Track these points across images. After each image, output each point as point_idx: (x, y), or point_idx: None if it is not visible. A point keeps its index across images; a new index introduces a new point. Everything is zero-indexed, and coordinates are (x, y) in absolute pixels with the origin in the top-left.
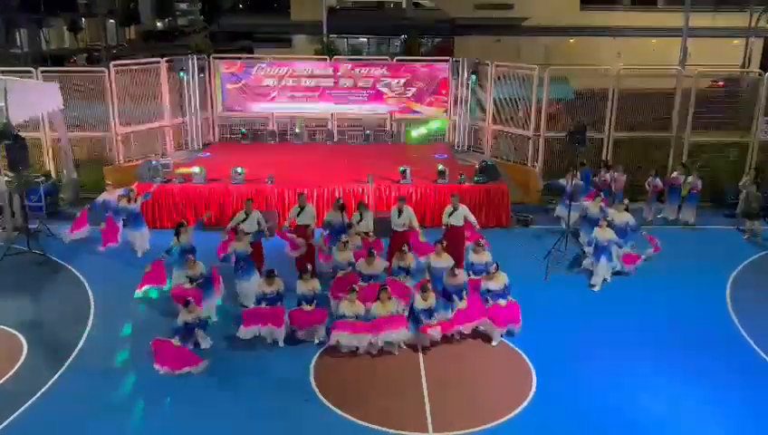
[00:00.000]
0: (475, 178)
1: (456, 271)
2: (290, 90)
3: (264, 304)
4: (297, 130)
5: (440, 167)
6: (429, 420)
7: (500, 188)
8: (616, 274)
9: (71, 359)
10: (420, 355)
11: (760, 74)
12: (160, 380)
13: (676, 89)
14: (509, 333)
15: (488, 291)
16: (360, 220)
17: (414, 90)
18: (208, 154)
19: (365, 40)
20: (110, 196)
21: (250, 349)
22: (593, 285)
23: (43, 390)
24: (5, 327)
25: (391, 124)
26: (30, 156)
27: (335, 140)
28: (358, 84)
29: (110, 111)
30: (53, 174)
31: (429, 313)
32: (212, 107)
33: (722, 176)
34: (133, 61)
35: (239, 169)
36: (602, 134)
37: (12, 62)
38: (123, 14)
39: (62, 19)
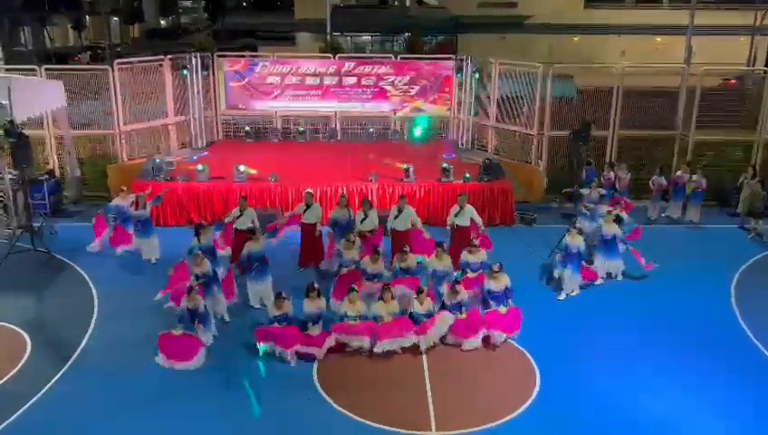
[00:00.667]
0: (479, 177)
1: (458, 288)
2: (293, 88)
3: (276, 325)
4: (300, 129)
5: (444, 165)
6: (433, 418)
7: (504, 186)
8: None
9: (74, 358)
10: (423, 353)
11: (765, 72)
12: (162, 379)
13: (680, 87)
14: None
15: (489, 292)
16: (365, 219)
17: (418, 88)
18: (206, 153)
19: (369, 38)
20: (124, 201)
21: (253, 347)
22: (559, 298)
23: (45, 388)
24: (10, 325)
25: (395, 122)
26: (34, 154)
27: (339, 138)
28: (361, 82)
29: (114, 109)
30: (57, 172)
31: (427, 317)
32: (215, 105)
33: (727, 175)
34: (137, 59)
35: (242, 168)
36: (606, 132)
37: (16, 59)
38: (127, 13)
39: (66, 17)
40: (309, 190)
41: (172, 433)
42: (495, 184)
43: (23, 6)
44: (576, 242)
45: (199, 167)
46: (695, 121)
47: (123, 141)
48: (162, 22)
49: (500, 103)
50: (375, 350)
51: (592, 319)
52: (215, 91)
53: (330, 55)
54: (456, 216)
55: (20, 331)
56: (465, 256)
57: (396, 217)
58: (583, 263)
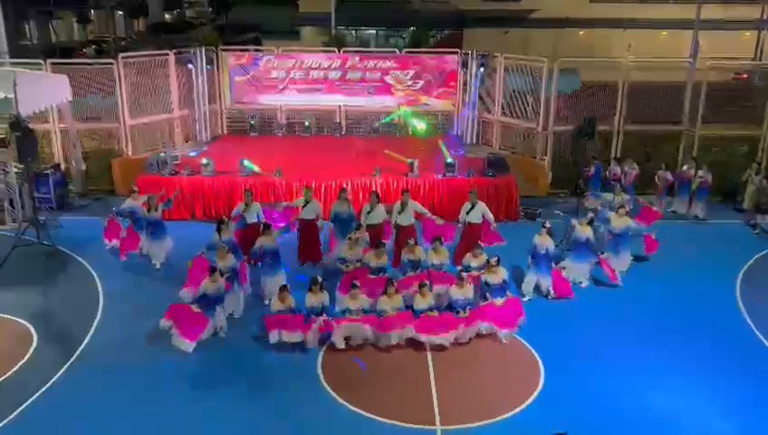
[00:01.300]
0: (484, 172)
1: (465, 284)
2: (298, 82)
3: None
4: (306, 123)
5: (449, 160)
6: (437, 412)
7: (508, 181)
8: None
9: (79, 351)
10: (428, 348)
11: None
12: (166, 373)
13: (686, 82)
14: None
15: (487, 284)
16: (371, 211)
17: (422, 82)
18: (205, 148)
19: (373, 32)
20: (136, 203)
21: (256, 340)
22: (523, 295)
23: (51, 382)
24: (16, 318)
25: (399, 117)
26: (39, 148)
27: (343, 132)
28: (366, 77)
29: (120, 103)
30: (63, 166)
31: (430, 311)
32: (220, 99)
33: (733, 170)
34: (142, 53)
35: (246, 162)
36: (612, 127)
37: (21, 53)
38: (132, 7)
39: (71, 11)
40: (308, 187)
41: (177, 426)
42: (500, 179)
43: (28, 0)
44: (545, 243)
45: (204, 161)
46: (701, 117)
47: (128, 135)
48: (167, 16)
49: (505, 98)
50: (382, 343)
51: (597, 316)
52: (219, 86)
53: (334, 49)
54: (467, 213)
55: (26, 323)
56: (468, 258)
57: (400, 213)
58: (553, 264)
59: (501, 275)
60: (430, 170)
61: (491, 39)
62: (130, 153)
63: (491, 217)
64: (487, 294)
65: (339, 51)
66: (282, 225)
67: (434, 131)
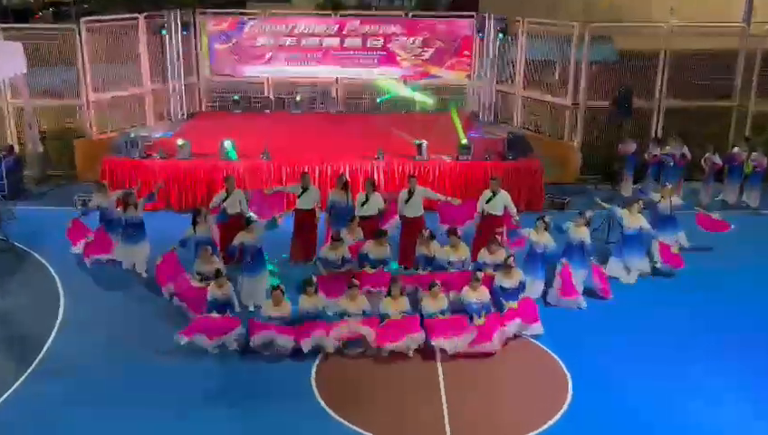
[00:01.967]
0: (503, 155)
1: (480, 287)
2: (288, 51)
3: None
4: (297, 98)
5: (464, 141)
6: (448, 432)
7: (532, 165)
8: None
9: (39, 357)
10: (438, 358)
11: None
12: (136, 381)
13: (738, 50)
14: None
15: (502, 289)
16: (366, 202)
17: (432, 51)
18: (181, 127)
19: None
20: (106, 200)
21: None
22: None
23: (4, 397)
24: None
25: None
26: None
27: (340, 108)
28: (367, 44)
29: (81, 76)
30: (17, 148)
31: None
32: (198, 71)
33: None
34: (107, 17)
35: (227, 143)
36: (651, 103)
37: None
38: None
39: None
40: (305, 171)
41: None
42: (522, 162)
43: None
44: (542, 239)
45: (179, 142)
46: (755, 90)
47: (92, 113)
48: None
49: (528, 69)
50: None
51: (633, 319)
52: (197, 55)
53: (330, 13)
54: (487, 202)
55: None
56: (483, 254)
57: (406, 202)
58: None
59: (517, 277)
60: (441, 153)
61: (511, 1)
62: (95, 133)
63: (513, 208)
64: (502, 300)
65: (335, 14)
66: (276, 215)
67: (446, 107)
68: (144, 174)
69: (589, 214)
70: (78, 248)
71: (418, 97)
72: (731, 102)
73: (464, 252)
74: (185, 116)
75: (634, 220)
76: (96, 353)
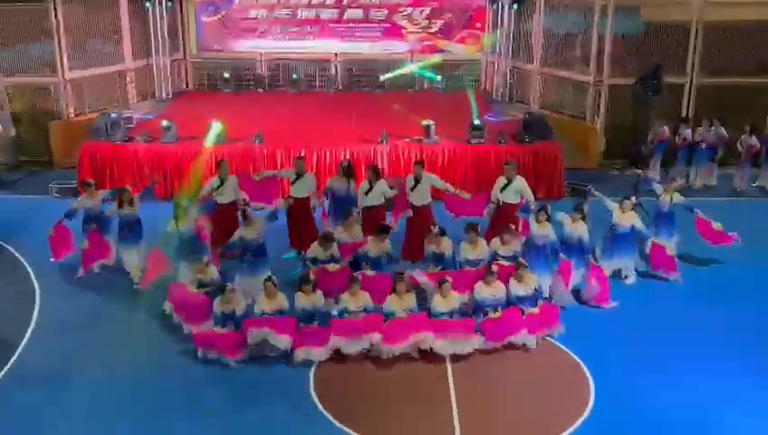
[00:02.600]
0: (519, 137)
1: (495, 281)
2: (283, 23)
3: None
4: (293, 76)
5: (476, 121)
6: None
7: (550, 149)
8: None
9: (9, 365)
10: (448, 360)
11: None
12: (121, 389)
13: None
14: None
15: (518, 298)
16: (369, 191)
17: (441, 23)
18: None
19: None
20: (92, 201)
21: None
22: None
23: None
24: None
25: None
26: None
27: (340, 87)
28: (369, 16)
29: (57, 52)
30: None
31: (450, 317)
32: (184, 46)
33: None
34: None
35: (216, 125)
36: (683, 79)
37: None
38: None
39: None
40: (300, 156)
41: None
42: (539, 146)
43: None
44: (544, 231)
45: (164, 124)
46: None
47: (69, 92)
48: None
49: (546, 43)
50: (386, 354)
51: (663, 319)
52: (183, 29)
53: None
54: (502, 190)
55: None
56: (495, 244)
57: (412, 189)
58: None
59: (531, 283)
60: (451, 135)
61: None
62: (72, 114)
63: (531, 196)
64: (521, 307)
65: None
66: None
67: (458, 85)
68: (126, 159)
69: (586, 207)
70: (60, 260)
71: (426, 74)
72: None
73: (483, 250)
74: (170, 96)
75: (625, 218)
76: (75, 360)
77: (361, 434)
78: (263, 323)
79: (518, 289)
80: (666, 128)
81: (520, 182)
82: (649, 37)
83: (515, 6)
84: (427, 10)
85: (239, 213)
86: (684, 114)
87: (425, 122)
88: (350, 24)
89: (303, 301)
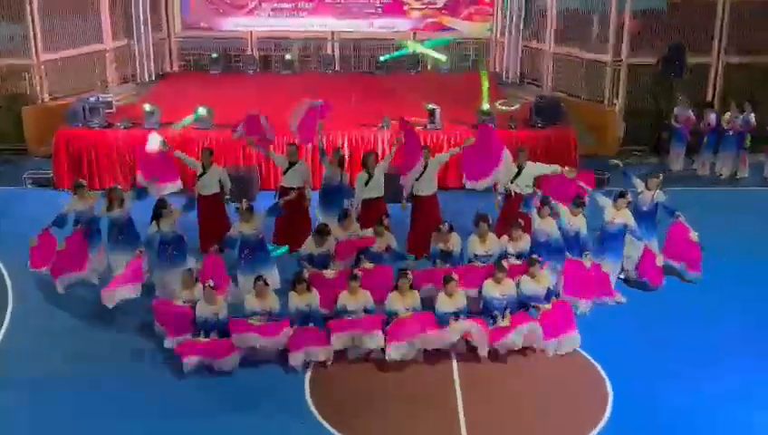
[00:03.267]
0: (531, 122)
1: (505, 279)
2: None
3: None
4: (286, 57)
5: (485, 106)
6: None
7: (564, 135)
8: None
9: None
10: (454, 363)
11: None
12: (109, 396)
13: None
14: None
15: (529, 297)
16: (368, 181)
17: None
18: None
19: None
20: (84, 204)
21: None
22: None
23: None
24: None
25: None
26: None
27: (337, 68)
28: None
29: (30, 31)
30: None
31: (456, 317)
32: (168, 24)
33: None
34: None
35: (201, 110)
36: (708, 59)
37: None
38: None
39: None
40: (292, 142)
41: None
42: (552, 131)
43: None
44: (546, 227)
45: (147, 108)
46: None
47: (43, 74)
48: None
49: (560, 20)
50: (387, 356)
51: (686, 320)
52: (166, 5)
53: None
54: (513, 180)
55: None
56: (503, 241)
57: (418, 178)
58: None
59: (545, 282)
60: (458, 120)
61: None
62: (47, 99)
63: (548, 170)
64: (532, 304)
65: None
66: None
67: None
68: (105, 147)
69: (586, 199)
70: (44, 270)
71: (431, 54)
72: None
73: (493, 244)
74: (153, 78)
75: (618, 215)
76: (54, 362)
77: None
78: (249, 328)
79: (531, 287)
80: (691, 112)
81: (531, 169)
82: (672, 13)
83: None
84: None
85: (235, 207)
86: (709, 97)
87: (429, 106)
88: (348, 1)
89: (297, 301)
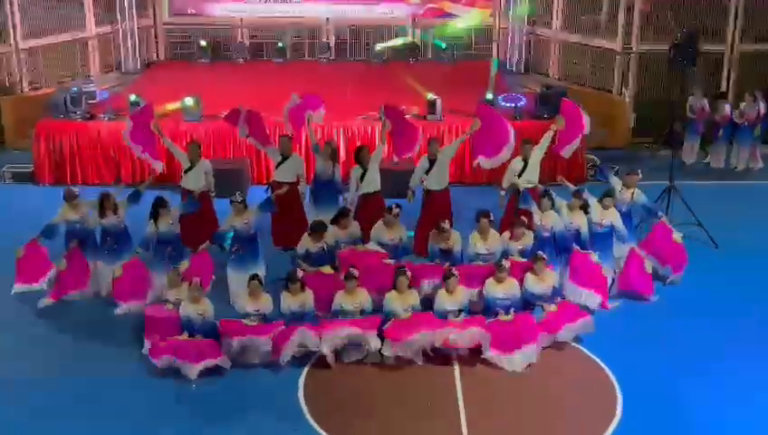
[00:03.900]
0: (536, 112)
1: (508, 278)
2: None
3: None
4: (279, 44)
5: (489, 95)
6: None
7: None
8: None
9: None
10: (456, 366)
11: None
12: (96, 402)
13: None
14: (575, 338)
15: (533, 296)
16: (364, 175)
17: None
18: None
19: None
20: (75, 214)
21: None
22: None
23: None
24: None
25: (413, 33)
26: None
27: (333, 57)
28: None
29: (9, 17)
30: None
31: (457, 315)
32: (154, 9)
33: None
34: None
35: (189, 101)
36: (722, 47)
37: None
38: None
39: None
40: (285, 134)
41: None
42: None
43: None
44: (549, 221)
45: (132, 98)
46: None
47: (22, 63)
48: None
49: (567, 5)
50: (384, 354)
51: (699, 319)
52: None
53: None
54: (519, 174)
55: None
56: (505, 238)
57: (427, 172)
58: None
59: (549, 280)
60: (460, 111)
61: None
62: (27, 89)
63: (546, 143)
64: (538, 303)
65: None
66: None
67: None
68: (88, 139)
69: (586, 194)
70: (21, 288)
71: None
72: None
73: (495, 242)
74: (138, 67)
75: (606, 215)
76: (33, 360)
77: None
78: (240, 331)
79: (535, 286)
80: (705, 102)
81: (537, 158)
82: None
83: None
84: None
85: (230, 200)
86: (724, 87)
87: (430, 96)
88: None
89: (291, 302)
